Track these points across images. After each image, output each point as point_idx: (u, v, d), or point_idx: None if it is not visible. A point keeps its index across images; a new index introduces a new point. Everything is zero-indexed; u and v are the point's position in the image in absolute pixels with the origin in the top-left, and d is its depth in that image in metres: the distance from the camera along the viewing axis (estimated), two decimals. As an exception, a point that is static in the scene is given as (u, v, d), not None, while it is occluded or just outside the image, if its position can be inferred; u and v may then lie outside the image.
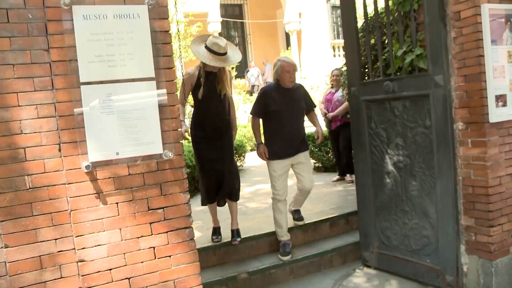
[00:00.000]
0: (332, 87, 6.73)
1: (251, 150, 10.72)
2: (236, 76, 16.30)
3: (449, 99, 3.46)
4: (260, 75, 16.43)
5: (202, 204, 4.29)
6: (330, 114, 6.43)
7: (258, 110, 4.27)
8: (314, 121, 4.55)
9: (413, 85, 3.69)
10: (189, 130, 4.04)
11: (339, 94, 6.48)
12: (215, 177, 4.06)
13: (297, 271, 4.18)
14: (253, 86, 15.96)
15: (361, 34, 4.58)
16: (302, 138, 4.30)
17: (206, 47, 3.78)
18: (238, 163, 8.27)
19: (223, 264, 4.10)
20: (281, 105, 4.12)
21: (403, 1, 3.82)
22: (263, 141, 4.30)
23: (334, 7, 18.47)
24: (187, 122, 4.33)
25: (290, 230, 4.40)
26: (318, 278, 4.18)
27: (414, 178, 3.76)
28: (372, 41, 4.37)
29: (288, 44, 18.11)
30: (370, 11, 4.45)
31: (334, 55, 17.03)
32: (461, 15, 3.40)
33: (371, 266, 4.30)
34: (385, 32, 4.07)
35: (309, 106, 4.45)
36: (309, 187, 4.38)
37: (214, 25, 15.77)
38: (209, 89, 3.92)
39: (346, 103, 6.09)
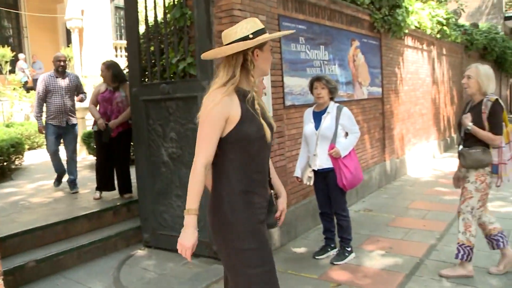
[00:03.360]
0: (106, 84, 5.58)
1: (29, 148, 10.32)
2: (11, 72, 15.12)
3: (212, 101, 4.25)
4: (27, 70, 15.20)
5: None
6: (114, 122, 5.37)
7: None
8: None
9: (185, 88, 4.40)
10: None
11: (122, 93, 5.50)
12: None
13: (84, 256, 4.48)
14: (33, 80, 14.73)
15: (143, 40, 5.12)
16: None
17: None
18: (17, 162, 7.99)
19: (10, 256, 4.13)
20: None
21: (178, 17, 4.49)
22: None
23: (118, 8, 18.53)
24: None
25: (75, 219, 4.71)
26: (104, 260, 4.56)
27: (185, 166, 4.47)
28: (152, 48, 4.95)
29: (69, 41, 17.47)
30: (152, 19, 5.00)
31: (117, 56, 17.11)
32: (222, 34, 4.23)
33: (152, 246, 4.87)
34: (163, 41, 4.70)
35: None
36: None
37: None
38: None
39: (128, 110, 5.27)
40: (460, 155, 3.73)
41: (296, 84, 5.02)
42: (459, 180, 3.93)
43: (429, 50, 10.15)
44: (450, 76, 12.10)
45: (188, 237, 2.07)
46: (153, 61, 4.89)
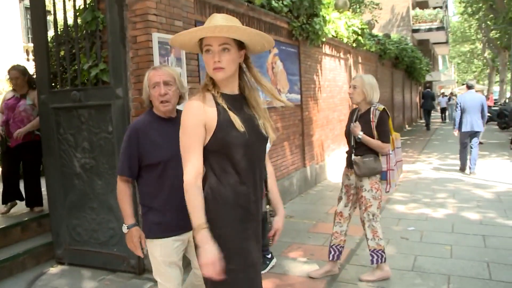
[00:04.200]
0: (14, 90, 5.15)
1: None
2: None
3: (127, 108, 4.08)
4: None
5: None
6: (20, 131, 4.93)
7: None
8: None
9: (97, 96, 4.19)
10: None
11: (27, 101, 5.07)
12: None
13: (-16, 278, 4.12)
14: None
15: (52, 44, 4.82)
16: None
17: None
18: None
19: None
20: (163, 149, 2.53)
21: (90, 21, 4.25)
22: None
23: (28, 9, 17.53)
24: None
25: (-24, 238, 4.32)
26: (10, 281, 4.21)
27: (99, 178, 4.25)
28: (62, 52, 4.68)
29: (-27, 42, 16.24)
30: (62, 22, 4.74)
31: (28, 59, 16.17)
32: (137, 39, 4.08)
33: (65, 262, 4.57)
34: (74, 45, 4.45)
35: None
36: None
37: None
38: None
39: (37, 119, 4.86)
40: (354, 163, 3.80)
41: (215, 91, 4.96)
42: (346, 187, 4.02)
43: (346, 58, 10.53)
44: (366, 83, 12.60)
45: (208, 254, 1.87)
46: (63, 67, 4.62)
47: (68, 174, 4.42)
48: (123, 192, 2.59)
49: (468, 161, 9.13)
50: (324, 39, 8.15)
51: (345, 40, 9.80)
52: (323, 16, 7.67)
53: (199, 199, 1.91)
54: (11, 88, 5.28)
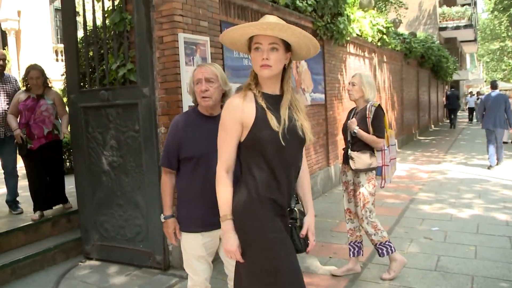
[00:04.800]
0: (28, 90, 5.10)
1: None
2: None
3: (154, 107, 4.17)
4: None
5: None
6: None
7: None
8: None
9: (125, 95, 4.29)
10: None
11: (48, 101, 5.04)
12: None
13: (19, 271, 4.26)
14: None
15: (82, 44, 4.95)
16: None
17: None
18: None
19: None
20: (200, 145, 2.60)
21: (118, 22, 4.36)
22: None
23: (58, 10, 17.88)
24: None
25: (9, 233, 4.48)
26: (41, 275, 4.36)
27: (126, 176, 4.35)
28: (91, 53, 4.80)
29: (4, 43, 16.67)
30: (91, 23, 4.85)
31: (57, 60, 16.47)
32: (164, 40, 4.16)
33: (93, 258, 4.70)
34: (103, 46, 4.56)
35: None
36: None
37: None
38: None
39: (66, 116, 5.03)
40: (350, 158, 3.89)
41: (239, 90, 5.01)
42: (344, 184, 4.13)
43: (370, 57, 10.46)
44: (391, 82, 12.53)
45: (230, 242, 2.08)
46: (91, 67, 4.74)
47: (96, 172, 4.54)
48: (165, 183, 2.69)
49: (494, 157, 9.58)
50: (348, 38, 8.12)
51: (369, 39, 9.73)
52: (347, 15, 7.65)
53: (228, 191, 2.08)
54: (23, 89, 5.21)
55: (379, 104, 3.92)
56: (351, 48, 9.02)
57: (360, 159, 3.84)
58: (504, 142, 11.68)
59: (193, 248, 2.61)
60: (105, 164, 4.47)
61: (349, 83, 4.07)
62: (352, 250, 4.09)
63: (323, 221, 5.89)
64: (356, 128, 3.86)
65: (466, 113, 27.12)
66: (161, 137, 4.19)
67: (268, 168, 2.05)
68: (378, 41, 10.41)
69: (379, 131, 3.84)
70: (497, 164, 9.64)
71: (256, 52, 2.03)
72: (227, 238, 2.08)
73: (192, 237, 2.60)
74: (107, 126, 4.41)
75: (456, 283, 3.83)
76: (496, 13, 28.41)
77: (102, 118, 4.43)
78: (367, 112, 3.87)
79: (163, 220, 2.70)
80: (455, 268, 4.13)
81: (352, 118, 3.99)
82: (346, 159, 3.98)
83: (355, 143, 3.93)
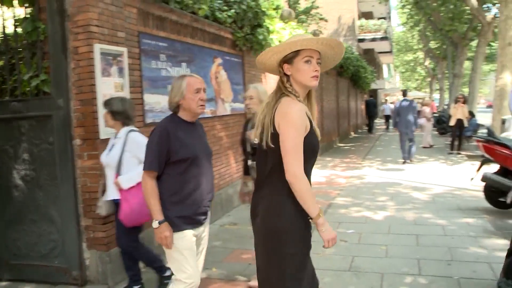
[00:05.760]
0: None
1: None
2: None
3: (69, 119, 4.08)
4: None
5: None
6: None
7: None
8: None
9: (38, 106, 4.16)
10: None
11: None
12: None
13: None
14: None
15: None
16: None
17: None
18: None
19: None
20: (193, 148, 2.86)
21: (30, 31, 4.20)
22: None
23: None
24: None
25: None
26: None
27: (40, 189, 4.21)
28: (1, 62, 4.60)
29: None
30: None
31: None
32: (79, 50, 4.08)
33: (3, 279, 4.47)
34: (14, 56, 4.39)
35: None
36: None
37: None
38: None
39: None
40: (252, 169, 3.91)
41: (157, 101, 5.00)
42: (245, 195, 4.18)
43: (291, 68, 10.74)
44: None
45: (331, 231, 2.24)
46: (1, 77, 4.55)
47: (7, 187, 4.35)
48: (152, 187, 2.73)
49: (407, 154, 11.57)
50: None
51: (290, 50, 10.00)
52: (267, 27, 7.86)
53: (311, 191, 2.19)
54: None
55: None
56: (272, 59, 9.23)
57: None
58: (424, 147, 14.45)
59: (188, 246, 2.77)
60: (17, 179, 4.29)
61: (245, 98, 4.06)
62: None
63: (243, 229, 5.97)
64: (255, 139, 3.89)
65: (383, 120, 28.62)
66: (76, 149, 4.10)
67: (306, 174, 2.20)
68: (298, 52, 10.73)
69: None
70: (410, 160, 11.56)
71: (307, 65, 2.23)
72: (328, 228, 2.22)
73: (186, 235, 2.76)
74: (19, 139, 4.25)
75: (368, 281, 4.08)
76: (408, 27, 30.22)
77: (13, 130, 4.26)
78: None
79: (157, 225, 2.69)
80: (367, 268, 4.40)
81: (250, 129, 3.94)
82: (247, 170, 4.02)
83: (255, 154, 3.96)
